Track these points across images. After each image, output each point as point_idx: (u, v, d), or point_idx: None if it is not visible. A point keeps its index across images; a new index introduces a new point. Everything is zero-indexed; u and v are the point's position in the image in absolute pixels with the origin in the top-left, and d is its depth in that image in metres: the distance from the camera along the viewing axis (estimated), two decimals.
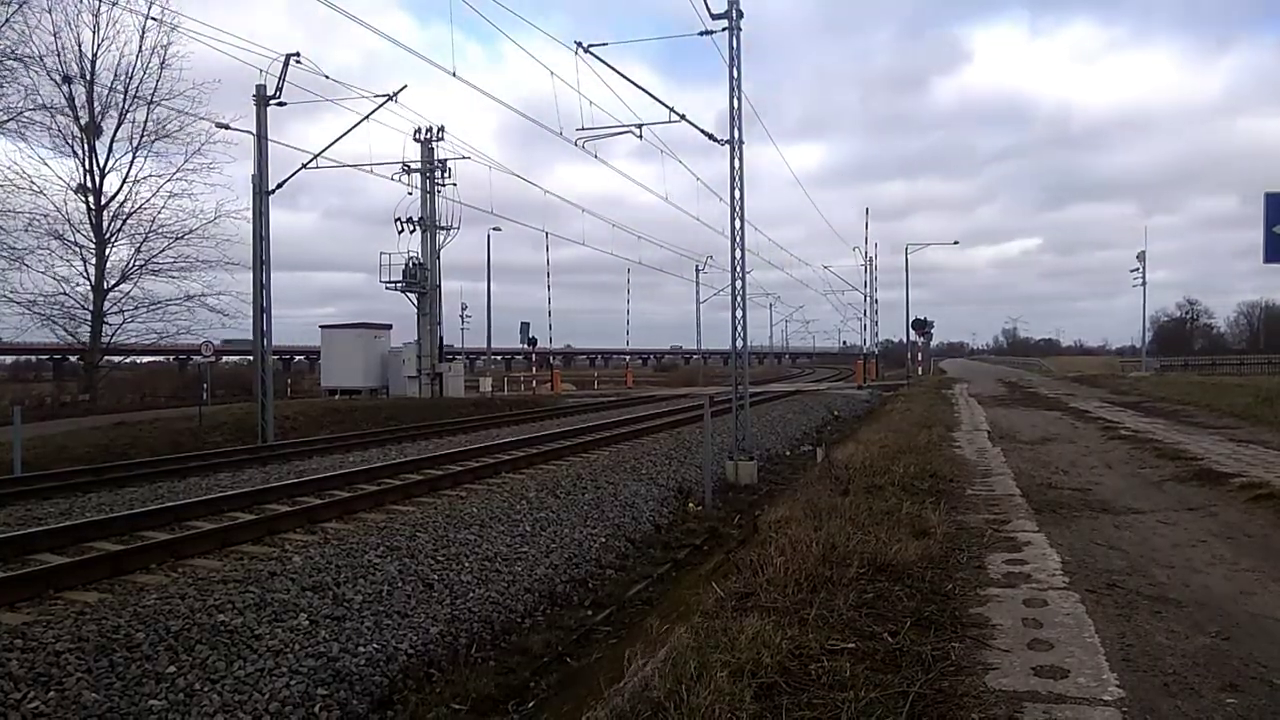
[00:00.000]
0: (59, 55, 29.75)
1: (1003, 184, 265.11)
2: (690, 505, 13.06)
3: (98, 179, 31.47)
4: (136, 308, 32.31)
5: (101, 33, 30.58)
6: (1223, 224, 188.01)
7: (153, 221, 32.02)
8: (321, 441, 18.88)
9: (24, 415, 15.99)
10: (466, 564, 8.60)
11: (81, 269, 31.32)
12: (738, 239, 16.29)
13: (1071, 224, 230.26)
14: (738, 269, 16.48)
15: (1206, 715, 3.40)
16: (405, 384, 33.79)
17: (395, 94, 21.27)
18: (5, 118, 28.41)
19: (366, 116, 21.37)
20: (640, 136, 18.10)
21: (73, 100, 30.48)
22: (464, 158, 31.07)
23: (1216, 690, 3.63)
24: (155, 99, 30.81)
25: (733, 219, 16.26)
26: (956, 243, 76.98)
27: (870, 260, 53.74)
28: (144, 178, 32.04)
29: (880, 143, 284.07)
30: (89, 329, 31.56)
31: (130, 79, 30.96)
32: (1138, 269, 52.48)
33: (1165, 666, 3.89)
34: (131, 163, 31.80)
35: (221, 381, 39.15)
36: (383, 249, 40.33)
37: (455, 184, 31.59)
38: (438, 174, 31.81)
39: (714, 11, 15.59)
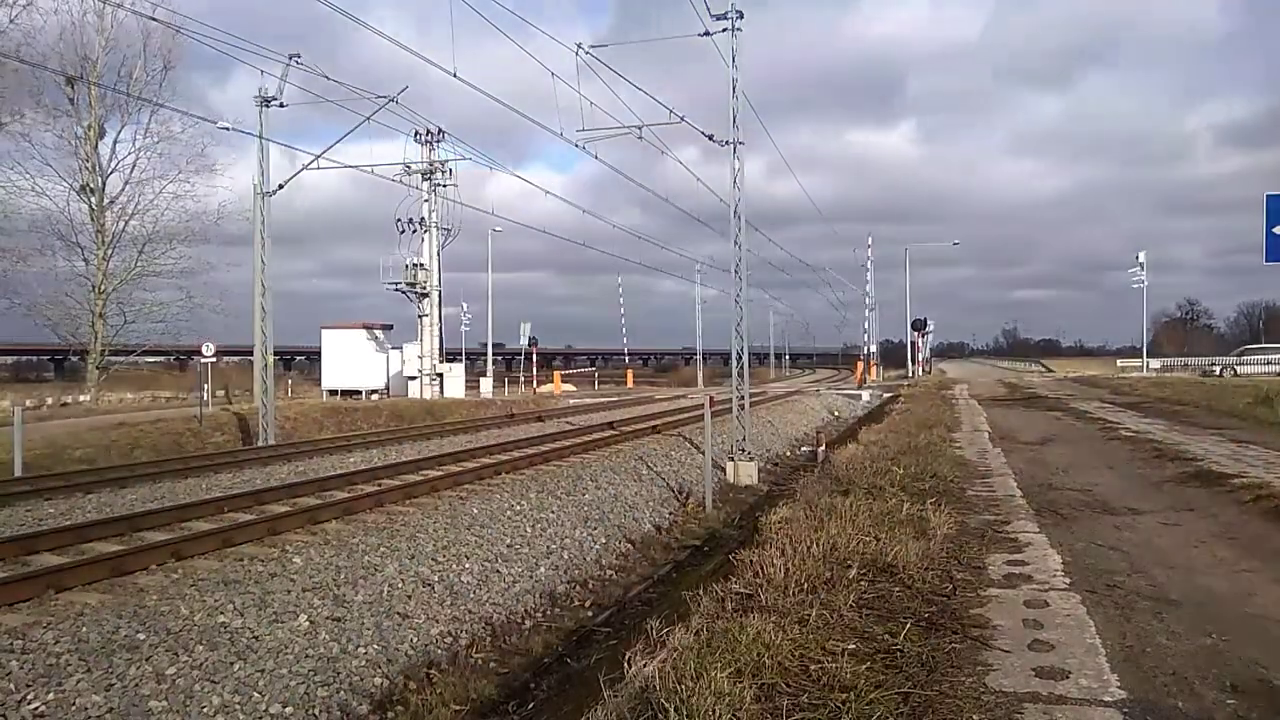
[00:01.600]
0: (62, 57, 29.80)
1: None
2: (690, 506, 13.05)
3: (100, 180, 31.51)
4: (138, 308, 32.39)
5: (105, 35, 30.64)
6: None
7: (155, 223, 32.10)
8: (323, 442, 18.89)
9: (25, 415, 16.00)
10: (467, 565, 8.60)
11: (83, 270, 31.37)
12: (737, 239, 16.31)
13: None
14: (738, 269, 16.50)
15: (1207, 716, 3.40)
16: (406, 384, 33.78)
17: (396, 95, 21.33)
18: (9, 118, 28.47)
19: (367, 118, 21.45)
20: (641, 137, 18.11)
21: (75, 101, 30.53)
22: (464, 159, 31.09)
23: (1217, 691, 3.63)
24: (158, 100, 30.87)
25: (733, 219, 16.29)
26: (956, 243, 77.28)
27: (870, 261, 53.76)
28: (146, 179, 32.11)
29: None
30: (90, 330, 31.58)
31: (133, 81, 31.02)
32: None
33: (1166, 667, 3.89)
34: (134, 164, 31.87)
35: (222, 382, 39.14)
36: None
37: (456, 185, 31.60)
38: (438, 175, 31.81)
39: (714, 12, 15.60)
